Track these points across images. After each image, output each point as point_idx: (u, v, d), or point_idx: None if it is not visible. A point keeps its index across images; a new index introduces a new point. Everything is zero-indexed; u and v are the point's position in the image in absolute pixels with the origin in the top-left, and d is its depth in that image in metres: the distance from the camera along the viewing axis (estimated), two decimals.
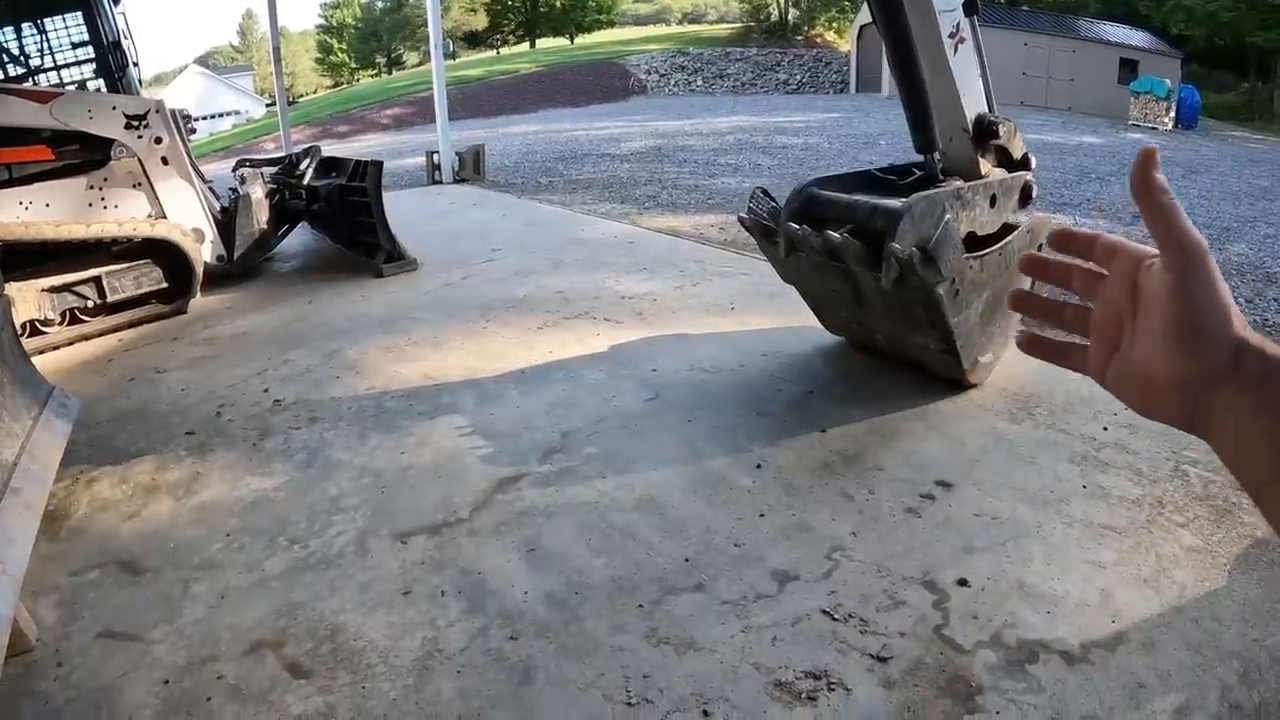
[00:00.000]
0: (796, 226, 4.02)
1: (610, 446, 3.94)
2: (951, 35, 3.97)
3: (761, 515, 3.25)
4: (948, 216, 3.71)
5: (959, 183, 4.04)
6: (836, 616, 2.67)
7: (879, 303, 4.09)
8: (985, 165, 4.24)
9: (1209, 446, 0.68)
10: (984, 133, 4.17)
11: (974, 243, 3.96)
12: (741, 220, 4.52)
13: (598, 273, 7.03)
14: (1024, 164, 4.39)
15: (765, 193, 4.53)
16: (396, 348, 5.50)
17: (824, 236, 3.85)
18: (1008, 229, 4.18)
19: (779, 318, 5.39)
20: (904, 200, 3.71)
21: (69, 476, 3.88)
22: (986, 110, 4.21)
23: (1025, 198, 4.29)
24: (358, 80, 65.13)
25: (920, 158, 4.24)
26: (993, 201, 4.08)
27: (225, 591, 3.05)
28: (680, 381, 4.56)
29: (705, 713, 2.35)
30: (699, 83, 38.43)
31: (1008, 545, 3.00)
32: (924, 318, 3.90)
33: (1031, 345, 0.81)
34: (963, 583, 2.81)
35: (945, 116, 4.12)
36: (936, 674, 2.45)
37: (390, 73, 64.40)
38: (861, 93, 34.98)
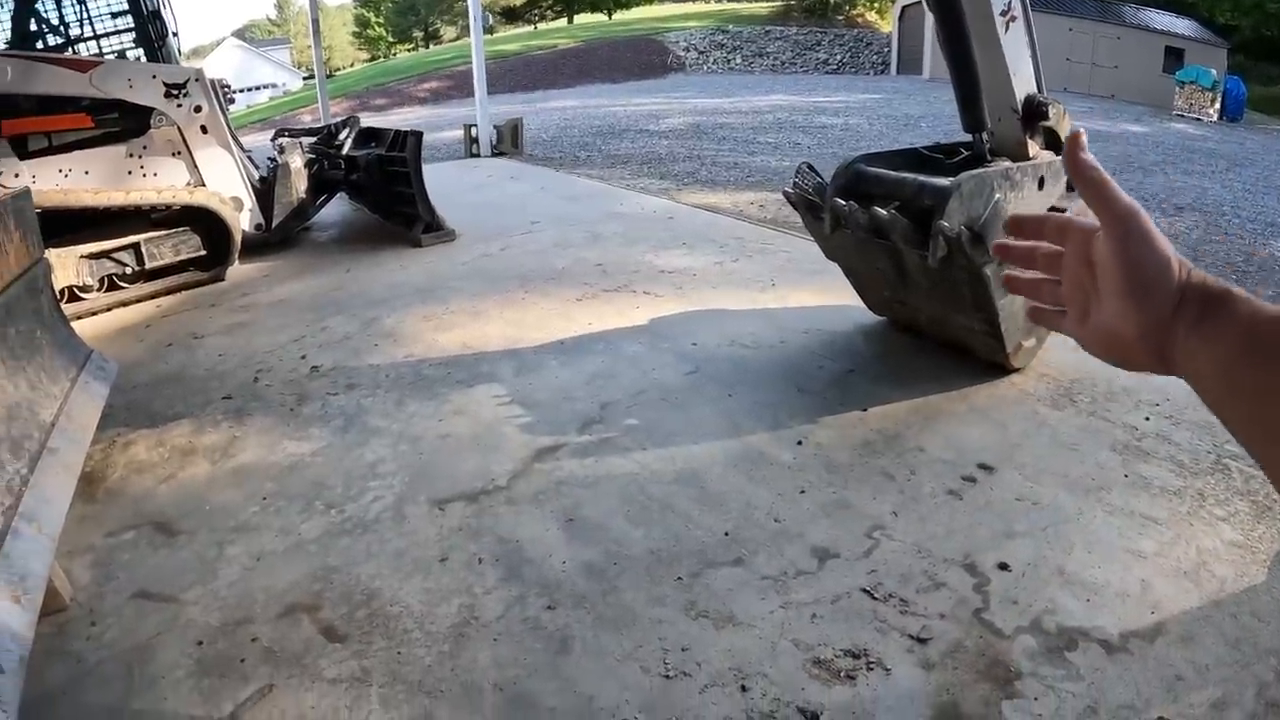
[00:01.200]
0: (843, 202, 3.97)
1: (650, 419, 3.91)
2: (1003, 13, 3.88)
3: (802, 492, 3.22)
4: (997, 196, 3.65)
5: (1007, 163, 3.96)
6: (876, 596, 2.64)
7: (923, 282, 4.03)
8: (1033, 147, 4.15)
9: None
10: (1033, 114, 4.09)
11: None
12: (787, 195, 4.46)
13: (636, 247, 6.99)
14: None
15: (811, 168, 4.47)
16: (435, 316, 5.51)
17: (870, 213, 3.80)
18: (1054, 213, 4.10)
19: (820, 295, 5.33)
20: (953, 179, 3.65)
21: (106, 439, 3.91)
22: (1036, 91, 4.12)
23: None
24: (394, 54, 65.35)
25: (968, 137, 4.17)
26: (1040, 184, 4.00)
27: (261, 554, 3.07)
28: (720, 356, 4.52)
29: (743, 688, 2.33)
30: (738, 61, 38.14)
31: (1048, 531, 2.94)
32: (969, 298, 3.84)
33: (1035, 315, 0.89)
34: (1003, 567, 2.76)
35: (994, 96, 4.04)
36: (976, 657, 2.41)
37: (427, 47, 64.55)
38: (902, 74, 34.49)
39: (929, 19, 30.28)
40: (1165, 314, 0.71)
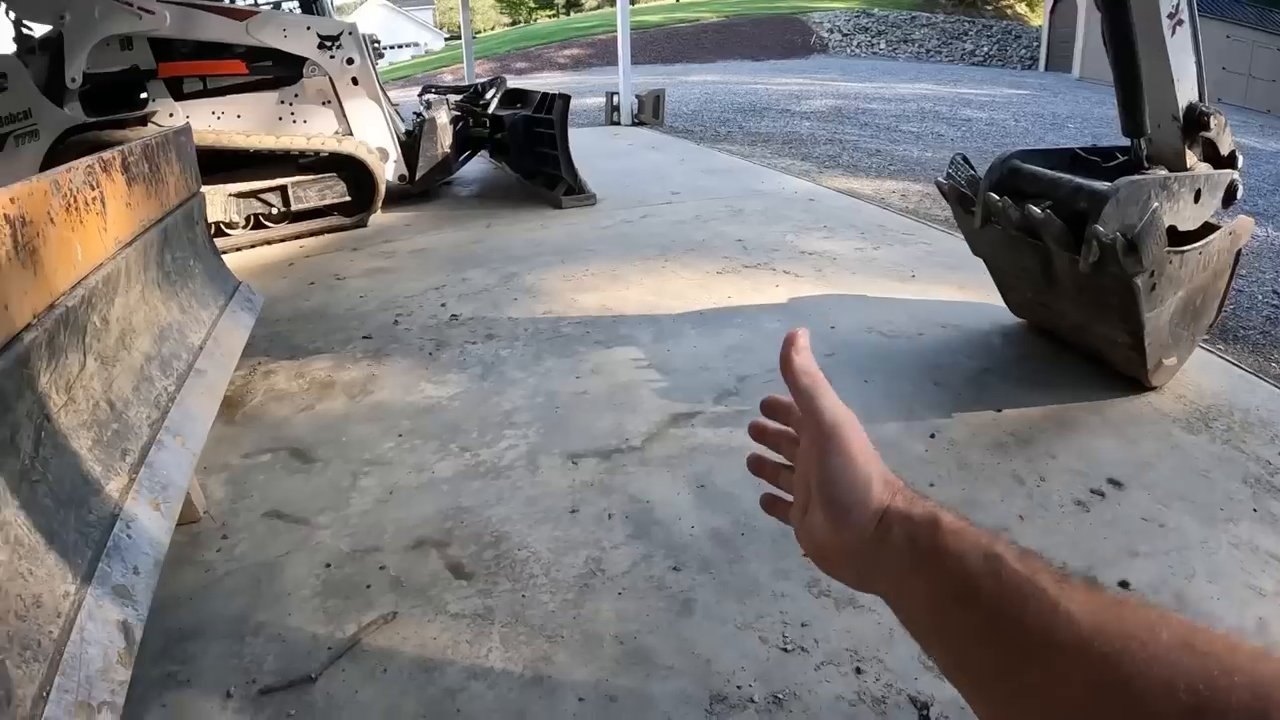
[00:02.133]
0: (996, 197, 3.88)
1: (786, 396, 3.86)
2: (1170, 15, 3.72)
3: (931, 485, 3.16)
4: (1154, 205, 3.50)
5: (1164, 172, 3.80)
6: None
7: (1070, 286, 3.90)
8: (1191, 158, 3.97)
9: None
10: (1194, 123, 3.90)
11: (1175, 237, 3.74)
12: (939, 185, 4.38)
13: (777, 225, 6.92)
14: (1230, 162, 4.09)
15: (965, 160, 4.37)
16: (574, 277, 5.58)
17: (1024, 210, 3.70)
18: (1208, 228, 3.92)
19: (959, 291, 5.20)
20: (1111, 183, 3.53)
21: (247, 367, 4.07)
22: (1198, 100, 3.94)
23: (1230, 197, 4.01)
24: (535, 20, 66.01)
25: (1122, 141, 4.02)
26: (1197, 196, 3.83)
27: (394, 488, 3.16)
28: (858, 342, 4.46)
29: (858, 670, 2.29)
30: (882, 45, 37.21)
31: (1171, 555, 2.82)
32: (1116, 308, 3.70)
33: (767, 503, 0.84)
34: (1124, 584, 2.66)
35: (1156, 101, 3.87)
36: None
37: (568, 14, 64.99)
38: (1051, 71, 32.94)
39: (1082, 14, 28.93)
40: (865, 537, 0.68)
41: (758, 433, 0.87)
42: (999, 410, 3.73)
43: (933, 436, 3.52)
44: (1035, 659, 0.54)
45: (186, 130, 3.99)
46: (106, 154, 2.96)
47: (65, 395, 2.34)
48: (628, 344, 4.46)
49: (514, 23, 68.31)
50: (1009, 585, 0.58)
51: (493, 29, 65.80)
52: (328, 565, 2.74)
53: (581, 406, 3.78)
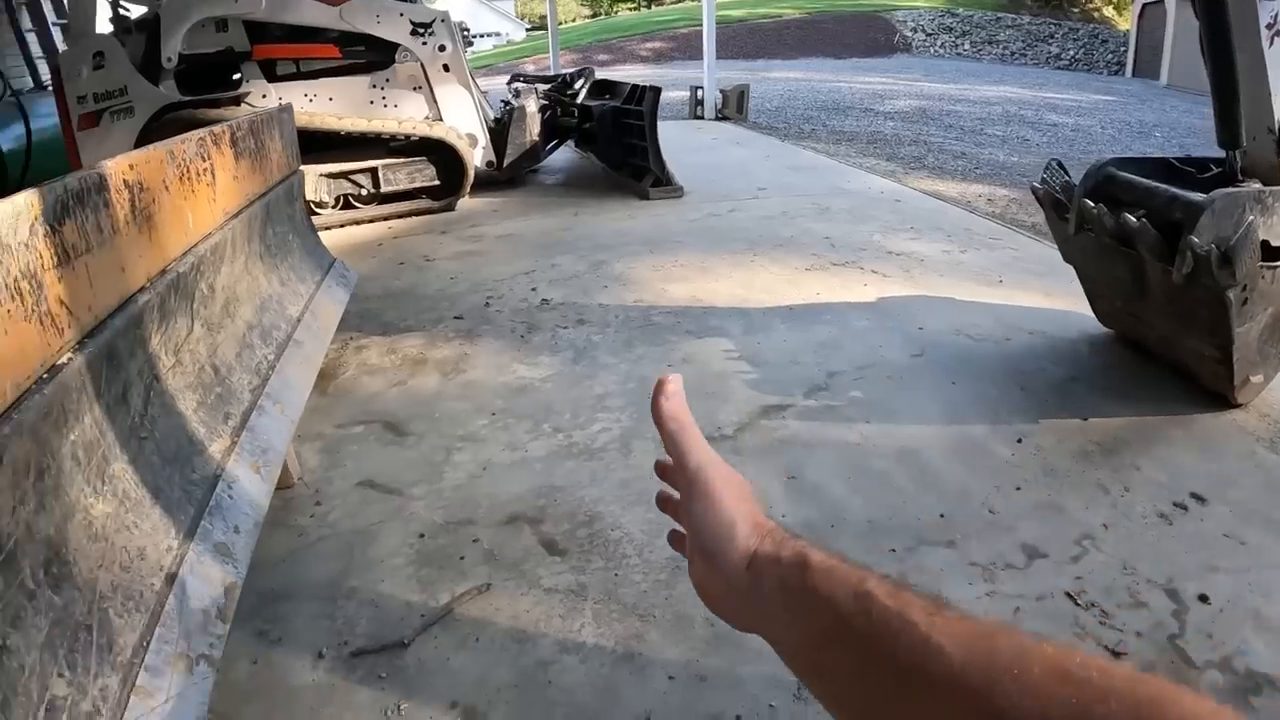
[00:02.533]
0: (1091, 204, 3.83)
1: (874, 393, 3.87)
2: (1269, 26, 3.61)
3: (1017, 489, 3.13)
4: (1249, 218, 3.42)
5: (1259, 185, 3.70)
6: (1079, 602, 2.57)
7: (1161, 297, 3.82)
8: None
9: None
10: None
11: (1267, 252, 3.64)
12: (1034, 190, 4.34)
13: (864, 225, 6.87)
14: None
15: (1060, 165, 4.33)
16: (663, 267, 5.60)
17: (1119, 218, 3.64)
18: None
19: (1046, 298, 5.12)
20: (1207, 194, 3.45)
21: (339, 341, 4.17)
22: None
23: None
24: (615, 13, 66.17)
25: (1216, 152, 3.92)
26: None
27: (487, 464, 3.21)
28: (945, 343, 4.42)
29: None
30: (966, 46, 36.51)
31: (1251, 573, 2.76)
32: (1206, 321, 3.62)
33: (674, 540, 0.86)
34: (1203, 599, 2.61)
35: (1252, 113, 3.77)
36: None
37: (649, 7, 65.03)
38: (1138, 77, 31.95)
39: (1171, 19, 28.14)
40: (736, 581, 0.68)
41: (661, 472, 0.87)
42: (1085, 419, 3.68)
43: (1019, 441, 3.48)
44: (909, 696, 0.55)
45: (289, 109, 4.09)
46: (217, 128, 3.05)
47: (174, 357, 2.40)
48: (718, 335, 4.47)
49: (594, 15, 68.57)
50: (879, 623, 0.58)
51: (573, 21, 66.11)
52: (421, 536, 2.79)
53: None
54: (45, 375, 1.68)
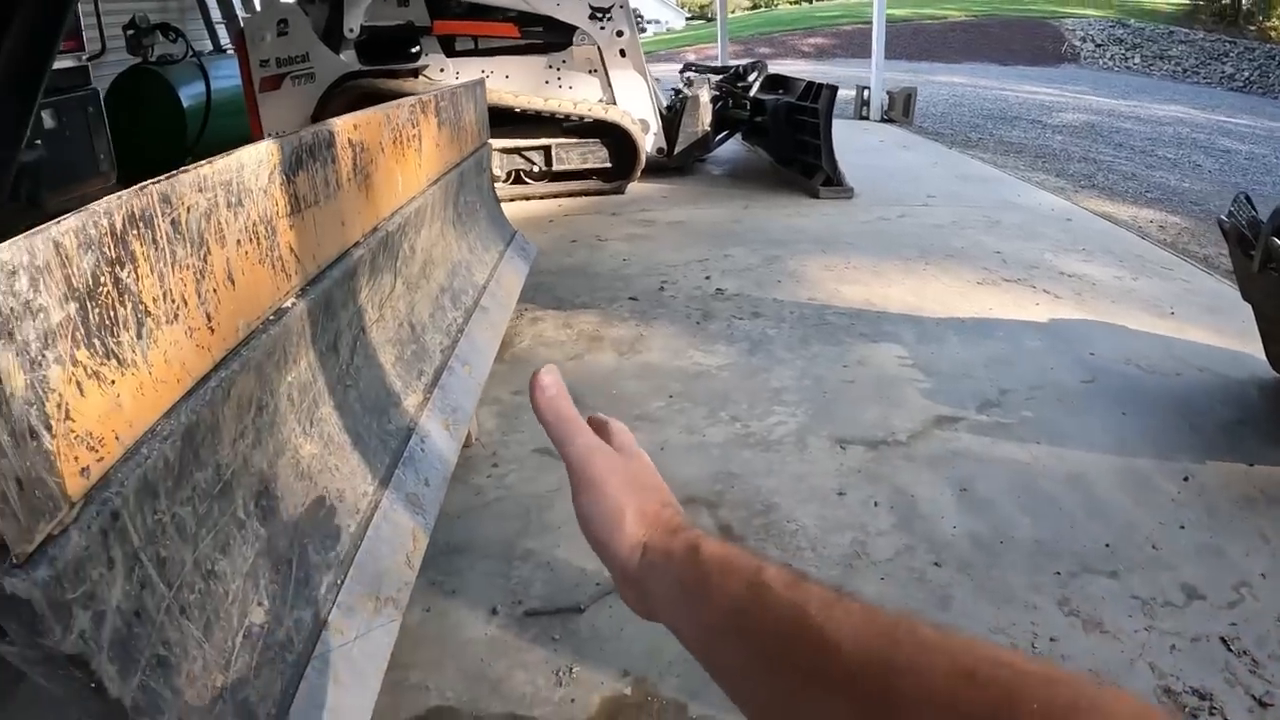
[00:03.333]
0: (1279, 242, 3.64)
1: (1045, 415, 3.78)
2: None
3: (1181, 527, 3.04)
4: None
5: None
6: (1232, 648, 2.50)
7: None
8: None
9: None
10: None
11: None
12: (1220, 224, 4.15)
13: (1035, 242, 6.66)
14: None
15: (1248, 199, 4.13)
16: (835, 268, 5.57)
17: None
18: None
19: (1217, 335, 4.90)
20: None
21: (516, 312, 4.27)
22: None
23: None
24: (776, 5, 65.74)
25: None
26: None
27: (664, 445, 3.26)
28: (1116, 372, 4.29)
29: None
30: (1136, 60, 34.72)
31: None
32: None
33: None
34: None
35: None
36: None
37: (810, 1, 64.45)
38: None
39: None
40: (630, 572, 0.66)
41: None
42: (1251, 465, 3.52)
43: (1186, 479, 3.36)
44: (806, 695, 0.52)
45: (482, 84, 4.18)
46: (425, 96, 3.15)
47: (378, 312, 2.49)
48: (891, 340, 4.43)
49: (755, 6, 68.32)
50: (774, 617, 0.55)
51: (733, 12, 65.98)
52: None
53: (849, 394, 3.79)
54: (272, 317, 1.75)
